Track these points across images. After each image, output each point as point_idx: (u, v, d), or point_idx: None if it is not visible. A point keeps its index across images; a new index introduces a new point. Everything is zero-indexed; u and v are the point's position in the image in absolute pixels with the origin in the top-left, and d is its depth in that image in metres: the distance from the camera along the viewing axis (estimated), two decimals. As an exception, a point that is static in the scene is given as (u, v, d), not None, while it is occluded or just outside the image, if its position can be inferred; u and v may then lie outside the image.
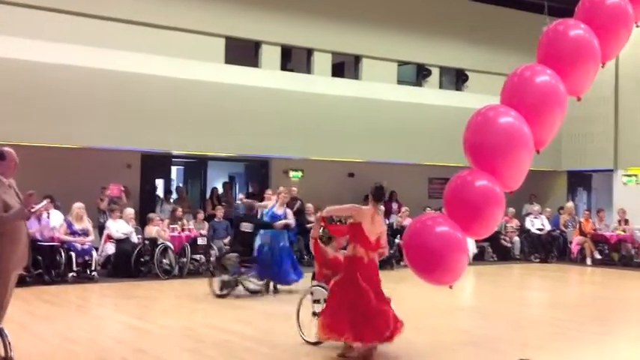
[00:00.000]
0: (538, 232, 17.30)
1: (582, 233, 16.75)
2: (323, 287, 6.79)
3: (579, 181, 20.18)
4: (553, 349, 7.12)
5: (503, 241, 17.22)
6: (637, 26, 4.70)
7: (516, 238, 17.36)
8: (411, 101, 17.26)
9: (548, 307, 11.11)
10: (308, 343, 6.86)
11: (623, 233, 16.48)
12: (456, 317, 9.35)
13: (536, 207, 17.83)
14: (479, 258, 16.40)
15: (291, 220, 11.28)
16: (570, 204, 18.34)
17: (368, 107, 16.58)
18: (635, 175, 18.10)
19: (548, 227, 17.41)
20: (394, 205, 17.17)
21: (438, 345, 7.14)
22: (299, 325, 7.12)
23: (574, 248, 16.80)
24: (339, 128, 16.07)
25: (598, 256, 16.42)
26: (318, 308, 6.83)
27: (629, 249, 16.46)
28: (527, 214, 17.89)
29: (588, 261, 16.34)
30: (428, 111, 17.24)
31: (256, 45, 16.21)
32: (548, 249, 17.16)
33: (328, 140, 16.04)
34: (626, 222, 16.68)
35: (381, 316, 6.09)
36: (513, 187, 3.61)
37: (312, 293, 7.03)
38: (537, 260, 16.91)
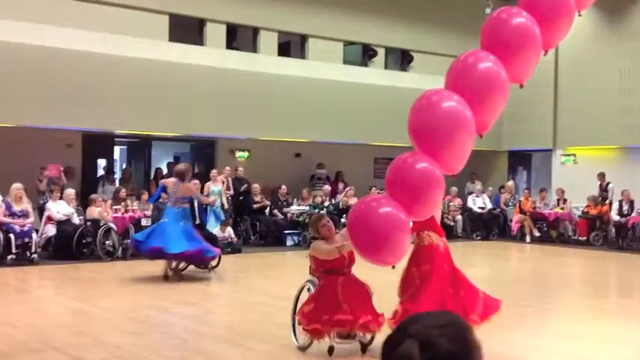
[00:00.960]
0: (480, 210, 17.71)
1: (522, 212, 17.22)
2: (313, 282, 6.27)
3: (519, 160, 20.69)
4: (493, 323, 7.33)
5: (446, 220, 17.54)
6: (579, 15, 4.82)
7: (459, 217, 17.72)
8: (356, 81, 17.32)
9: (489, 283, 11.40)
10: (299, 349, 6.14)
11: (561, 211, 17.02)
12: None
13: (478, 186, 18.23)
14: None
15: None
16: (511, 183, 18.83)
17: (314, 87, 16.57)
18: (573, 155, 18.67)
19: (489, 206, 17.84)
20: (340, 185, 17.29)
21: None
22: (293, 328, 6.26)
23: (514, 226, 17.27)
24: (285, 108, 16.03)
25: (537, 234, 16.93)
26: None
27: (566, 227, 17.02)
28: (470, 193, 18.27)
29: (527, 238, 16.84)
30: (373, 91, 17.33)
31: (201, 23, 15.95)
32: (490, 227, 17.59)
33: (275, 120, 15.98)
34: (564, 201, 17.22)
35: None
36: (455, 170, 3.68)
37: (309, 290, 6.33)
38: (479, 238, 17.32)
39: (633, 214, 15.62)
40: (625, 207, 15.81)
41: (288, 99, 16.11)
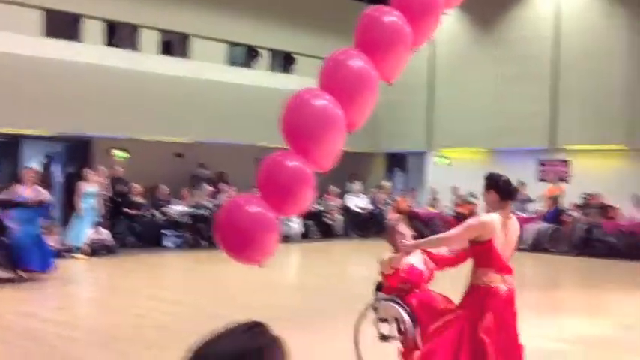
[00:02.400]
0: (358, 210, 18.26)
1: (398, 211, 17.91)
2: (394, 301, 5.14)
3: (396, 162, 21.50)
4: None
5: (326, 219, 17.96)
6: (445, 14, 5.01)
7: (339, 216, 18.17)
8: (240, 82, 17.38)
9: (368, 280, 11.83)
10: None
11: (433, 210, 17.86)
12: (278, 293, 9.69)
13: (357, 186, 18.79)
14: (304, 236, 17.00)
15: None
16: (387, 183, 19.55)
17: (197, 87, 16.46)
18: (446, 157, 19.64)
19: (367, 206, 18.42)
20: (223, 186, 17.25)
21: (275, 319, 7.40)
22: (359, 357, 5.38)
23: (391, 225, 17.92)
24: (166, 108, 15.82)
25: (412, 232, 17.60)
26: (387, 330, 5.20)
27: (438, 225, 17.87)
28: (349, 193, 18.78)
29: (403, 237, 17.51)
30: (257, 92, 17.45)
31: (78, 18, 15.43)
32: (368, 226, 18.17)
33: (155, 120, 15.73)
34: (436, 200, 18.09)
35: None
36: (326, 167, 3.85)
37: (375, 309, 5.32)
38: (358, 237, 17.85)
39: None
40: (492, 206, 16.84)
41: (170, 98, 15.91)
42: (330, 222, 18.05)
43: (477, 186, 17.98)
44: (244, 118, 17.00)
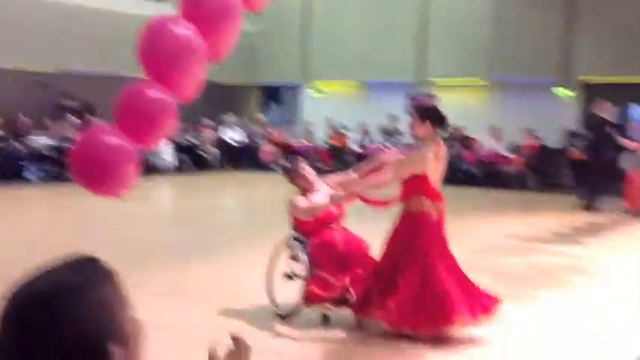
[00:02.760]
0: (233, 142, 18.19)
1: (272, 143, 18.02)
2: (298, 240, 5.18)
3: (270, 94, 21.46)
4: (240, 248, 7.78)
5: (200, 152, 17.77)
6: None
7: (213, 149, 18.02)
8: (108, 9, 16.48)
9: (244, 212, 11.96)
10: (281, 317, 5.15)
11: (308, 142, 18.12)
12: (151, 227, 9.59)
13: (232, 118, 18.65)
14: (178, 169, 16.77)
15: None
16: (262, 116, 19.53)
17: (62, 13, 15.45)
18: (320, 89, 19.84)
19: (242, 138, 18.38)
20: (91, 118, 16.53)
21: (132, 255, 7.32)
22: (272, 295, 5.24)
23: (265, 157, 18.02)
24: (28, 34, 14.77)
25: (287, 164, 17.83)
26: (298, 269, 5.15)
27: (312, 157, 18.18)
28: (223, 126, 18.61)
29: (278, 169, 17.71)
30: (125, 20, 16.62)
31: None
32: (243, 158, 18.18)
33: (16, 46, 14.67)
34: (311, 133, 18.33)
35: (442, 298, 4.67)
36: (187, 97, 3.80)
37: (290, 247, 5.27)
38: (232, 169, 17.84)
39: (371, 144, 17.19)
40: (364, 137, 17.33)
41: (31, 24, 14.86)
42: (205, 155, 17.88)
43: (351, 118, 18.51)
44: (113, 47, 16.22)
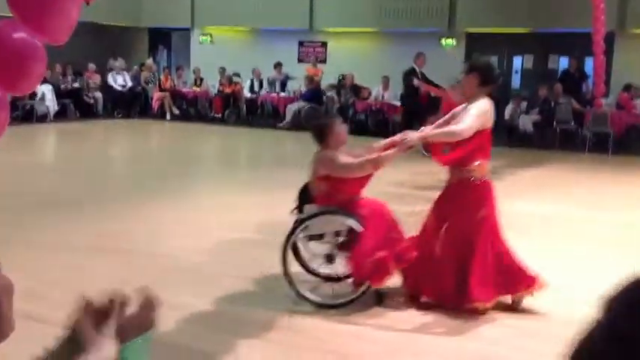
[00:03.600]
0: (120, 88, 17.54)
1: (162, 90, 17.54)
2: (341, 213, 4.41)
3: (159, 38, 20.77)
4: (135, 199, 7.62)
5: (85, 98, 17.04)
6: None
7: (99, 95, 17.32)
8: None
9: (131, 162, 11.66)
10: (314, 303, 4.42)
11: (198, 90, 17.77)
12: (31, 177, 9.18)
13: (118, 63, 17.92)
14: (61, 116, 16.02)
15: None
16: (150, 61, 18.90)
17: None
18: (210, 35, 19.38)
19: (130, 84, 17.75)
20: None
21: (22, 206, 7.02)
22: (289, 276, 4.48)
23: (154, 104, 17.55)
24: None
25: (176, 112, 17.50)
26: (318, 248, 4.59)
27: (204, 104, 17.90)
28: (110, 70, 17.89)
29: (168, 116, 17.32)
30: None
31: None
32: (131, 105, 17.61)
33: None
34: (202, 80, 17.97)
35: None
36: (60, 39, 3.59)
37: (305, 227, 4.48)
38: (120, 116, 17.26)
39: (262, 92, 17.09)
40: (256, 85, 17.20)
41: None
42: (90, 101, 17.15)
43: (241, 65, 18.23)
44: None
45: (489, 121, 4.33)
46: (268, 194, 8.20)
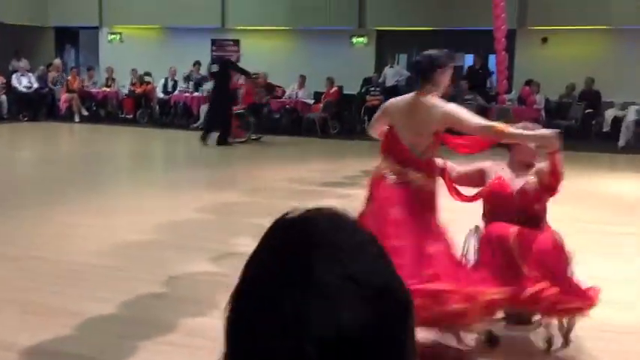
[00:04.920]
0: (26, 89, 16.91)
1: (70, 91, 17.03)
2: None
3: (67, 38, 20.14)
4: (41, 203, 7.40)
5: (-12, 101, 16.35)
6: None
7: (3, 97, 16.64)
8: None
9: (37, 165, 11.30)
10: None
11: (108, 90, 17.35)
12: None
13: (23, 64, 17.27)
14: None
15: None
16: (58, 61, 18.29)
17: None
18: (120, 34, 18.95)
19: (35, 85, 17.13)
20: None
21: None
22: None
23: (62, 106, 17.02)
24: None
25: (85, 113, 17.03)
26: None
27: (114, 105, 17.50)
28: (14, 72, 17.21)
29: (77, 118, 16.83)
30: None
31: None
32: (37, 107, 17.01)
33: None
34: (113, 80, 17.54)
35: None
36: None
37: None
38: (26, 119, 16.64)
39: (176, 92, 16.86)
40: (170, 84, 16.93)
41: None
42: (-8, 103, 16.46)
43: (152, 64, 17.94)
44: None
45: None
46: (178, 195, 8.15)
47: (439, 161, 3.94)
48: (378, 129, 4.04)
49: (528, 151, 3.81)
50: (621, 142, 13.45)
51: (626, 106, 13.91)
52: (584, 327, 3.81)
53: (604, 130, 14.28)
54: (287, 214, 0.76)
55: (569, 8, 14.62)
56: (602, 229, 6.60)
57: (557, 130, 3.69)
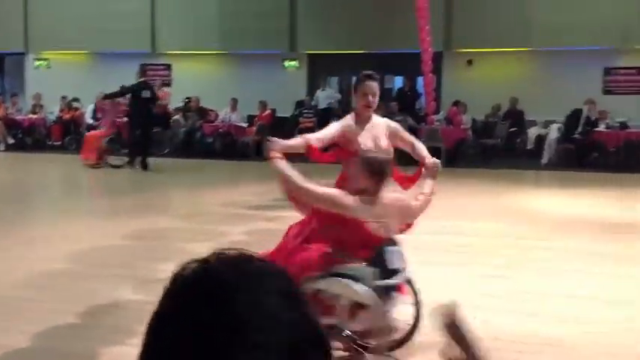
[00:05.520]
0: (-53, 118, 16.32)
1: (-5, 118, 16.53)
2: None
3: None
4: None
5: None
6: None
7: None
8: None
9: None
10: None
11: (35, 117, 16.91)
12: None
13: (-56, 92, 16.68)
14: None
15: None
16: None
17: None
18: (47, 59, 18.55)
19: (-42, 113, 16.55)
20: None
21: None
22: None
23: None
24: None
25: (11, 141, 16.53)
26: None
27: (42, 132, 17.06)
28: None
29: (2, 146, 16.32)
30: None
31: None
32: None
33: None
34: (40, 106, 17.11)
35: None
36: None
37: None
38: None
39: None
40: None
41: None
42: None
43: (81, 90, 17.55)
44: None
45: None
46: (105, 222, 8.00)
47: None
48: None
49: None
50: (544, 160, 13.97)
51: (548, 124, 14.46)
52: (505, 340, 3.93)
53: (528, 147, 14.79)
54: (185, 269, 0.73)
55: (492, 31, 15.16)
56: (532, 245, 6.79)
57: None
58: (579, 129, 13.75)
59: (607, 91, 15.28)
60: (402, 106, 14.70)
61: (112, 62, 17.72)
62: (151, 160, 13.31)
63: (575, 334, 4.26)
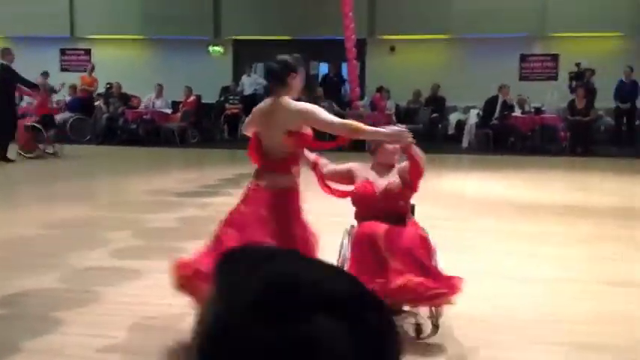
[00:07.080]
0: None
1: None
2: None
3: None
4: None
5: None
6: None
7: None
8: None
9: None
10: None
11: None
12: None
13: None
14: None
15: None
16: None
17: None
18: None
19: None
20: None
21: None
22: None
23: None
24: None
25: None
26: None
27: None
28: None
29: None
30: None
31: None
32: None
33: None
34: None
35: None
36: None
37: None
38: None
39: (23, 104, 16.01)
40: (16, 97, 15.99)
41: None
42: None
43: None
44: None
45: None
46: (27, 211, 7.81)
47: (311, 156, 4.17)
48: (249, 132, 4.11)
49: (389, 154, 4.20)
50: (464, 144, 14.45)
51: (468, 110, 14.96)
52: (423, 316, 4.12)
53: (449, 132, 15.26)
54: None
55: (414, 19, 15.50)
56: (452, 225, 7.03)
57: (404, 127, 4.10)
58: (496, 114, 14.28)
59: (524, 77, 15.91)
60: (327, 92, 14.87)
61: (29, 47, 17.10)
62: (73, 148, 12.99)
63: (487, 308, 4.49)
